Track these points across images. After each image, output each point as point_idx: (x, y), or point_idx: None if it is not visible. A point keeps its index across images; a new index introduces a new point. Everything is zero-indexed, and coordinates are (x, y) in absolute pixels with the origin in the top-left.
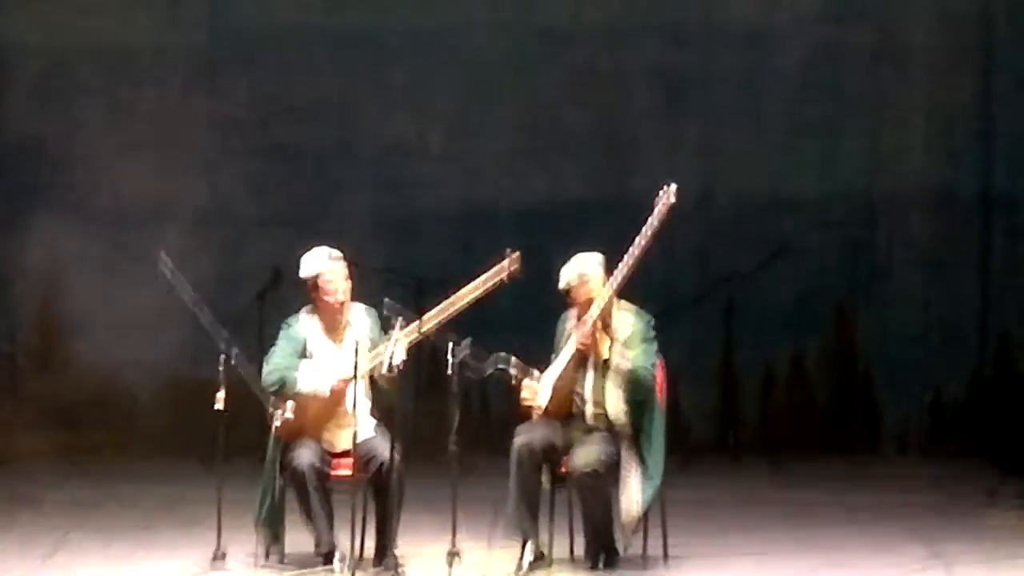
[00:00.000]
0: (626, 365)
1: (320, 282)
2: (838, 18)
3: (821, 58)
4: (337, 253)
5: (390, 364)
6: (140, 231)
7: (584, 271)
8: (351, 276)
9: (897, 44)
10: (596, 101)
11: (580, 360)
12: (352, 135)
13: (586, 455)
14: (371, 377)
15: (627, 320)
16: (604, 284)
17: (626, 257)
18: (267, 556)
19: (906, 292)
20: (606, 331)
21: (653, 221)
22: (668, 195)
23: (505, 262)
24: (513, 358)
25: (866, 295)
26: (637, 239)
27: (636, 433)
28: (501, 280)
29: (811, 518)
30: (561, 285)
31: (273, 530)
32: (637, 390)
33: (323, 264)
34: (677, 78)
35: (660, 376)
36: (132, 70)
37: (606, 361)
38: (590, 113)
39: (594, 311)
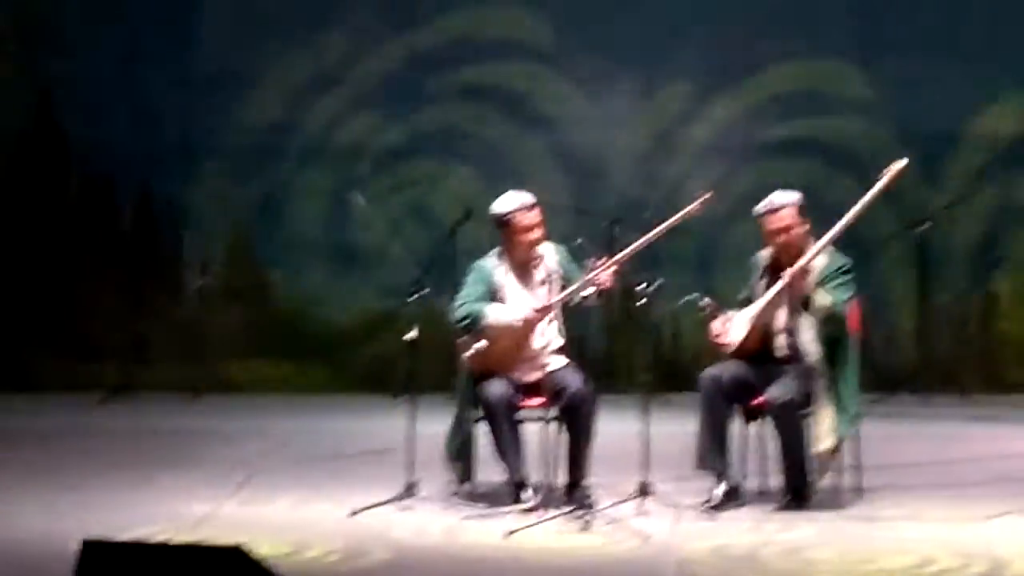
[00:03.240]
0: (824, 301)
1: (513, 225)
2: None
3: None
4: (531, 197)
5: (585, 297)
6: (334, 168)
7: (776, 201)
8: (543, 219)
9: None
10: (786, 37)
11: (775, 297)
12: (542, 72)
13: (783, 387)
14: (564, 312)
15: (823, 260)
16: (798, 218)
17: (843, 219)
18: (459, 488)
19: None
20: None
21: (877, 190)
22: (898, 166)
23: (697, 203)
24: (706, 297)
25: None
26: (859, 201)
27: (830, 368)
28: (696, 211)
29: (1006, 454)
30: (756, 210)
31: (464, 463)
32: (832, 326)
33: (516, 208)
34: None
35: (855, 314)
36: (325, 5)
37: (805, 299)
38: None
39: (807, 257)
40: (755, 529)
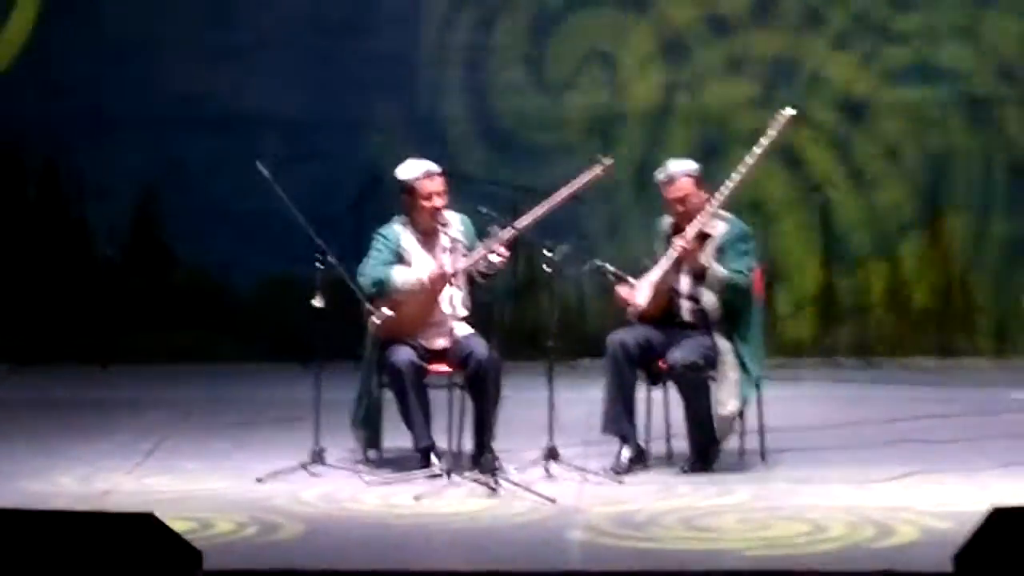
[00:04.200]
0: (722, 272)
1: (416, 191)
2: None
3: None
4: (434, 166)
5: (488, 263)
6: (238, 135)
7: (673, 170)
8: (446, 188)
9: None
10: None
11: (677, 262)
12: (449, 42)
13: (686, 349)
14: (468, 280)
15: (722, 227)
16: (695, 188)
17: (734, 173)
18: (365, 455)
19: (1000, 194)
20: (703, 238)
21: (766, 142)
22: (785, 116)
23: (597, 167)
24: (608, 264)
25: (963, 198)
26: (747, 158)
27: (733, 331)
28: (596, 177)
29: (907, 416)
30: (655, 178)
31: (370, 430)
32: (733, 295)
33: (419, 176)
34: None
35: (758, 280)
36: None
37: (702, 271)
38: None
39: (697, 222)
40: (660, 494)
